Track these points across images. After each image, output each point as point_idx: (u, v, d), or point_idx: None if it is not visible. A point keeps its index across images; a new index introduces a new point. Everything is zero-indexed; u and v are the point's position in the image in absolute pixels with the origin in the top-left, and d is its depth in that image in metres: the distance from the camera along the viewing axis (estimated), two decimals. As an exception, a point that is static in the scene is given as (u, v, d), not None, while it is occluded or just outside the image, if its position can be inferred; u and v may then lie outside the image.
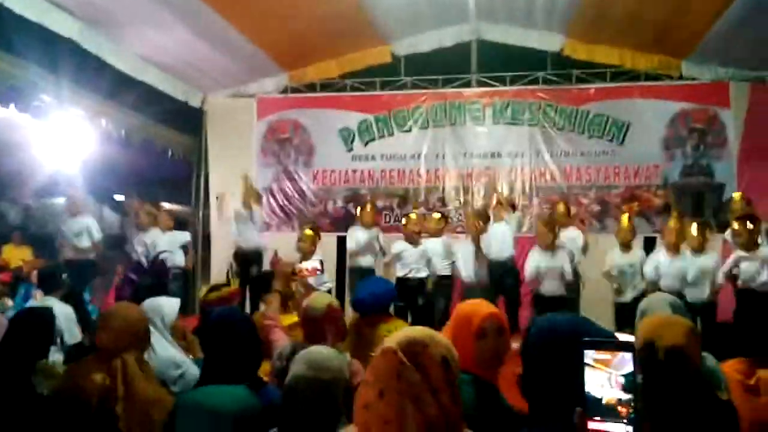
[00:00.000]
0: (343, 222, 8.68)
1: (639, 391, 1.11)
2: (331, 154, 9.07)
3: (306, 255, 6.69)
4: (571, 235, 6.89)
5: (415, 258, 6.91)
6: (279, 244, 7.48)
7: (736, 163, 8.14)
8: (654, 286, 6.22)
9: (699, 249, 6.30)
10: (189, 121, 9.06)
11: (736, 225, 6.10)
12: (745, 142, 8.10)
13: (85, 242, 7.15)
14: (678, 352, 1.81)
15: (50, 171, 8.71)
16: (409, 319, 6.51)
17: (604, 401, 1.11)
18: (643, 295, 6.21)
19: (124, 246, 8.14)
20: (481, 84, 8.92)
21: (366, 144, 9.00)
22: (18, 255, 9.08)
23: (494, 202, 7.47)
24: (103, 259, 7.54)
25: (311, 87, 9.21)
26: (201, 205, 9.43)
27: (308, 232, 7.17)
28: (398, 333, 1.46)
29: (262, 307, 3.92)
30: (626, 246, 6.74)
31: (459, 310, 2.29)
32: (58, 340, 3.93)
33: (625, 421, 1.10)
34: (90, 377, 2.53)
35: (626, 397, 1.11)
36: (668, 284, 6.18)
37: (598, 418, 1.11)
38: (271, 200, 9.11)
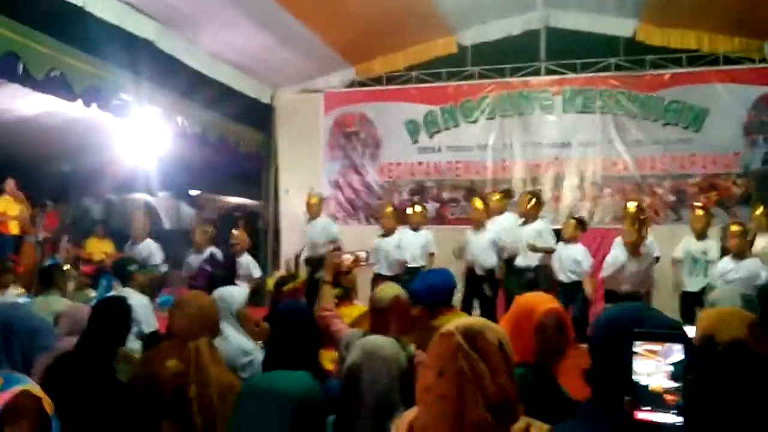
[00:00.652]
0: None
1: (689, 381, 1.10)
2: (397, 146, 9.12)
3: (389, 232, 7.17)
4: None
5: (482, 247, 6.83)
6: (346, 236, 7.60)
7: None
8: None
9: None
10: (259, 117, 9.30)
11: None
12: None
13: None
14: (739, 346, 1.76)
15: (130, 167, 9.13)
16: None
17: (651, 389, 1.11)
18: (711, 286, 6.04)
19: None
20: (550, 72, 8.74)
21: (432, 136, 8.99)
22: (100, 248, 9.56)
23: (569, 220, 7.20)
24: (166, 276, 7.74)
25: (377, 80, 9.27)
26: (271, 199, 9.66)
27: (389, 209, 7.43)
28: (455, 321, 1.49)
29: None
30: (700, 234, 6.50)
31: (519, 301, 2.28)
32: (135, 329, 4.13)
33: (673, 410, 1.10)
34: (164, 363, 2.66)
35: (674, 385, 1.12)
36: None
37: (648, 408, 1.11)
38: (338, 193, 9.25)
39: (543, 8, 8.41)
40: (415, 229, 7.40)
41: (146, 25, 6.54)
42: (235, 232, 7.79)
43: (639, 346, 1.14)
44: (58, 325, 3.23)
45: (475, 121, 8.85)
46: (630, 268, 6.07)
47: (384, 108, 9.17)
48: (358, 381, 1.97)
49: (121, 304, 3.31)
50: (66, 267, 5.60)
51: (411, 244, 7.28)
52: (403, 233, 7.38)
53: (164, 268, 7.38)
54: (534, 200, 7.05)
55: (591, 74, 8.55)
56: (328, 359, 2.68)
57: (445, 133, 8.94)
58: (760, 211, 6.34)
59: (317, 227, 7.65)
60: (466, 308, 6.61)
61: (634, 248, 6.01)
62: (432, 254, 7.27)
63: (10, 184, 8.83)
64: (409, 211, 7.64)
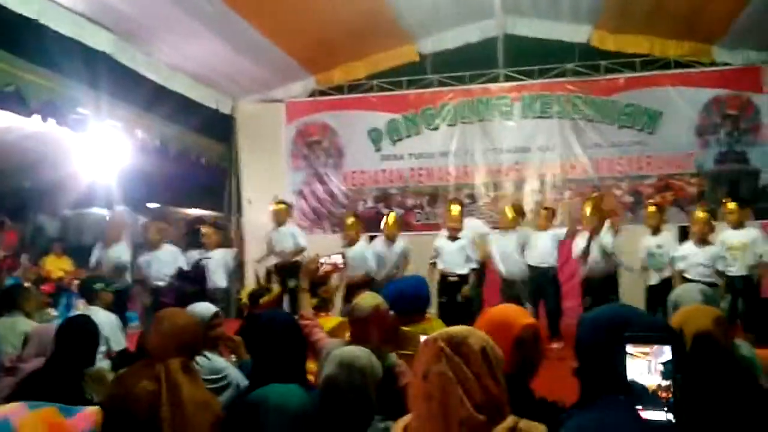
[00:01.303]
0: (374, 222, 8.72)
1: (678, 379, 1.16)
2: (361, 155, 9.15)
3: (352, 241, 7.12)
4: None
5: (455, 254, 6.90)
6: (311, 246, 7.57)
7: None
8: (684, 273, 6.20)
9: (737, 224, 6.31)
10: (220, 128, 9.22)
11: None
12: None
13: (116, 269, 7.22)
14: (704, 338, 1.84)
15: (88, 182, 8.94)
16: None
17: (647, 388, 1.16)
18: (671, 279, 6.31)
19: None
20: (508, 79, 8.89)
21: (395, 144, 9.06)
22: (59, 266, 9.32)
23: (541, 209, 7.49)
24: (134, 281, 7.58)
25: (339, 89, 9.30)
26: (234, 210, 9.57)
27: (351, 219, 7.40)
28: (439, 330, 1.52)
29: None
30: (655, 230, 6.78)
31: (496, 315, 2.26)
32: (103, 348, 4.05)
33: (665, 408, 1.15)
34: (138, 383, 2.61)
35: (665, 383, 1.17)
36: (698, 272, 6.14)
37: (645, 406, 1.16)
38: (303, 203, 9.22)
39: (500, 16, 8.53)
40: (392, 239, 7.36)
41: (103, 38, 6.43)
42: (204, 229, 7.68)
43: (631, 348, 1.19)
44: (26, 347, 3.15)
45: (436, 128, 8.95)
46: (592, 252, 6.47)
47: (346, 117, 9.20)
48: (334, 393, 1.99)
49: (88, 322, 3.24)
50: (27, 286, 5.45)
51: (387, 258, 7.25)
52: (377, 245, 7.40)
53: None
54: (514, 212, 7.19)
55: (548, 80, 8.74)
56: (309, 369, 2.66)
57: (407, 140, 9.02)
58: (700, 214, 6.50)
59: (285, 234, 7.60)
60: (443, 316, 6.63)
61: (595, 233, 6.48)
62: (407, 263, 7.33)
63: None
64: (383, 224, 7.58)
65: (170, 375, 2.61)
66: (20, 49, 5.58)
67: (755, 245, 6.18)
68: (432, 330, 3.28)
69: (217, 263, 7.20)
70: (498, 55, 8.90)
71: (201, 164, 8.95)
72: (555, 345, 6.70)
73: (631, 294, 6.63)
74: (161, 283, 6.77)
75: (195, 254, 7.33)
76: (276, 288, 4.02)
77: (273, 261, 7.60)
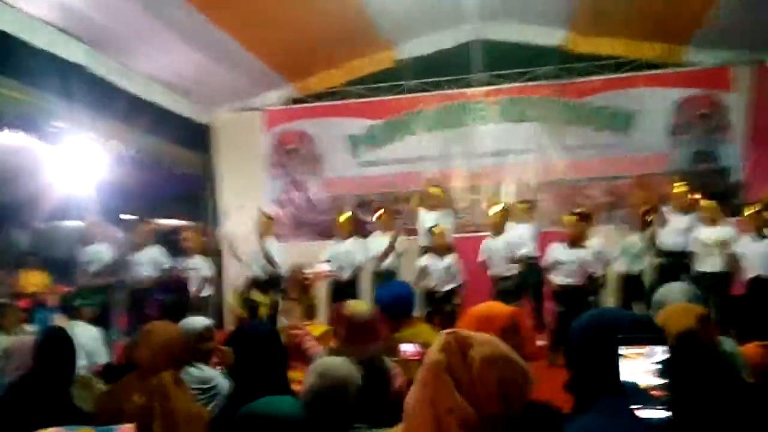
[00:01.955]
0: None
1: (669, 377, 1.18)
2: (339, 162, 9.15)
3: (348, 236, 7.22)
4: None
5: (442, 272, 6.86)
6: (291, 253, 7.54)
7: (740, 147, 8.17)
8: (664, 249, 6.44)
9: (711, 221, 6.47)
10: (197, 137, 9.16)
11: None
12: (749, 125, 8.13)
13: (97, 269, 7.18)
14: (688, 336, 1.88)
15: (62, 195, 8.81)
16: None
17: (641, 388, 1.18)
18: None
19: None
20: (484, 83, 8.96)
21: (373, 150, 9.07)
22: (33, 280, 9.15)
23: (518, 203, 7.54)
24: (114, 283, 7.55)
25: (316, 96, 9.29)
26: (212, 220, 9.50)
27: (346, 215, 7.55)
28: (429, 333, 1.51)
29: (283, 320, 4.00)
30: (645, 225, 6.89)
31: (476, 312, 2.33)
32: (86, 362, 3.99)
33: (660, 406, 1.17)
34: (129, 397, 2.59)
35: (659, 382, 1.20)
36: (675, 241, 6.39)
37: (640, 405, 1.18)
38: (281, 211, 9.18)
39: (475, 21, 8.61)
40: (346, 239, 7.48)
41: (77, 50, 6.36)
42: (185, 233, 7.64)
43: (623, 349, 1.21)
44: (7, 361, 3.11)
45: (414, 134, 8.98)
46: (567, 259, 6.47)
47: (324, 124, 9.20)
48: (314, 403, 2.01)
49: (63, 334, 3.21)
50: (4, 301, 5.36)
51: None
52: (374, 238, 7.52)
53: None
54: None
55: (524, 84, 8.82)
56: (298, 378, 2.66)
57: (385, 146, 9.04)
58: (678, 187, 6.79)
59: (272, 248, 7.61)
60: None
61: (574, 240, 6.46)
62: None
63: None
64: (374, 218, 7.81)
65: (162, 389, 2.60)
66: (-7, 62, 5.50)
67: (732, 242, 6.29)
68: (419, 334, 3.30)
69: (198, 272, 7.16)
70: (474, 60, 8.98)
71: (178, 174, 8.87)
72: (539, 342, 6.77)
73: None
74: (142, 284, 6.80)
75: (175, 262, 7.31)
76: (263, 298, 4.00)
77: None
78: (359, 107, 9.13)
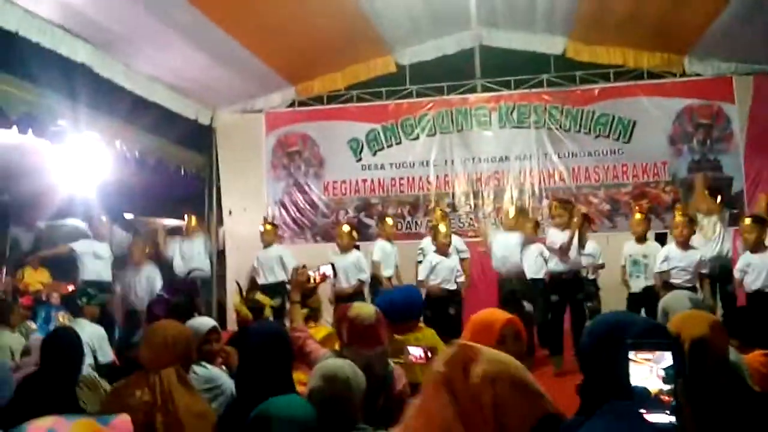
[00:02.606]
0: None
1: (680, 383, 1.21)
2: (341, 165, 9.19)
3: (346, 249, 7.18)
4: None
5: (447, 271, 6.88)
6: (294, 256, 7.58)
7: (742, 156, 8.22)
8: (666, 277, 6.17)
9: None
10: (200, 138, 9.18)
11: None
12: (750, 134, 8.18)
13: (102, 265, 7.23)
14: (701, 343, 1.90)
15: (65, 194, 8.84)
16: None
17: (650, 392, 1.21)
18: (653, 287, 6.33)
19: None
20: (485, 89, 9.01)
21: (375, 153, 9.11)
22: (36, 278, 9.16)
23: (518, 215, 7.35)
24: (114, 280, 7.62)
25: (318, 99, 9.33)
26: (214, 221, 9.54)
27: (345, 228, 7.44)
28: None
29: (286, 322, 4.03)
30: (640, 238, 6.79)
31: (477, 318, 2.38)
32: (91, 361, 4.02)
33: (668, 411, 1.20)
34: (133, 393, 2.62)
35: (667, 387, 1.22)
36: (680, 277, 6.12)
37: (648, 410, 1.21)
38: (283, 213, 9.22)
39: (476, 28, 8.67)
40: (389, 240, 7.68)
41: (81, 49, 6.37)
42: (186, 216, 7.71)
43: (633, 354, 1.24)
44: (27, 358, 3.15)
45: (416, 138, 9.02)
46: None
47: (326, 127, 9.23)
48: (319, 405, 2.04)
49: (73, 334, 3.24)
50: (8, 299, 5.39)
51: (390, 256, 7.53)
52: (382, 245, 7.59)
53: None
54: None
55: (524, 90, 8.87)
56: (302, 380, 2.69)
57: (387, 150, 9.08)
58: (678, 218, 6.52)
59: (272, 256, 7.71)
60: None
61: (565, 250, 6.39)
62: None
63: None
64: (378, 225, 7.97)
65: (165, 385, 2.63)
66: (-1, 61, 5.53)
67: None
68: (423, 338, 3.34)
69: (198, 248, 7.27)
70: (475, 66, 9.03)
71: (180, 175, 8.89)
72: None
73: (613, 303, 6.70)
74: (137, 306, 6.89)
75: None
76: (268, 300, 4.03)
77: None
78: (361, 111, 9.18)
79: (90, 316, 4.39)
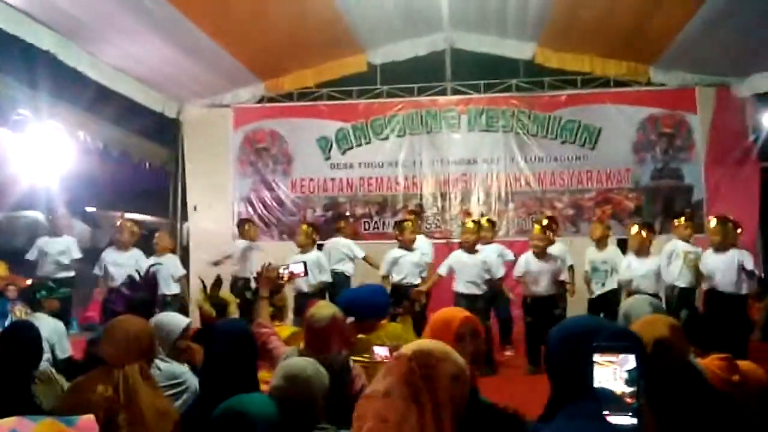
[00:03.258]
0: (322, 229, 8.70)
1: (642, 385, 1.23)
2: (309, 162, 9.15)
3: (304, 248, 6.98)
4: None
5: (410, 265, 6.79)
6: (260, 253, 7.53)
7: (703, 166, 8.43)
8: (628, 285, 6.25)
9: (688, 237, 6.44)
10: (166, 131, 9.07)
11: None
12: (711, 145, 8.41)
13: (65, 261, 7.02)
14: (662, 345, 1.96)
15: (25, 185, 8.64)
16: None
17: (613, 394, 1.23)
18: (614, 292, 6.44)
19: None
20: (455, 92, 9.08)
21: (344, 152, 9.09)
22: (-8, 270, 8.93)
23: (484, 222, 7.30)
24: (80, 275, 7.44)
25: (288, 96, 9.27)
26: (179, 215, 9.41)
27: (305, 227, 7.30)
28: (416, 343, 1.54)
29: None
30: (600, 243, 6.84)
31: (436, 317, 2.39)
32: (48, 356, 3.93)
33: (630, 413, 1.22)
34: (94, 389, 2.57)
35: (630, 390, 1.25)
36: (642, 285, 6.15)
37: (611, 411, 1.23)
38: (250, 209, 9.14)
39: (448, 30, 8.72)
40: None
41: (45, 36, 6.22)
42: (159, 234, 7.53)
43: (598, 357, 1.26)
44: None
45: (385, 138, 9.04)
46: (535, 269, 6.38)
47: (295, 124, 9.19)
48: (281, 404, 2.03)
49: (31, 329, 3.16)
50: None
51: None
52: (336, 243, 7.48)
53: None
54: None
55: (494, 94, 8.97)
56: (264, 378, 2.67)
57: (356, 149, 9.08)
58: (633, 230, 6.58)
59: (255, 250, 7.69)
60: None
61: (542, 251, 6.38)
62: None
63: None
64: (342, 224, 7.76)
65: (128, 381, 2.59)
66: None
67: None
68: (387, 336, 3.34)
69: (168, 269, 7.06)
70: (446, 68, 9.08)
71: (145, 168, 8.77)
72: (507, 353, 6.84)
73: (574, 307, 6.76)
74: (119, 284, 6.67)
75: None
76: (233, 298, 3.98)
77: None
78: (331, 109, 9.16)
79: (49, 309, 4.29)
